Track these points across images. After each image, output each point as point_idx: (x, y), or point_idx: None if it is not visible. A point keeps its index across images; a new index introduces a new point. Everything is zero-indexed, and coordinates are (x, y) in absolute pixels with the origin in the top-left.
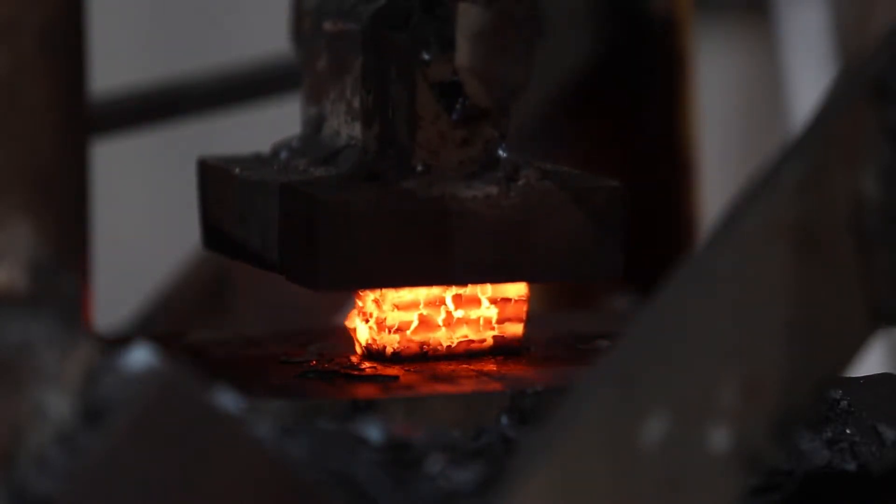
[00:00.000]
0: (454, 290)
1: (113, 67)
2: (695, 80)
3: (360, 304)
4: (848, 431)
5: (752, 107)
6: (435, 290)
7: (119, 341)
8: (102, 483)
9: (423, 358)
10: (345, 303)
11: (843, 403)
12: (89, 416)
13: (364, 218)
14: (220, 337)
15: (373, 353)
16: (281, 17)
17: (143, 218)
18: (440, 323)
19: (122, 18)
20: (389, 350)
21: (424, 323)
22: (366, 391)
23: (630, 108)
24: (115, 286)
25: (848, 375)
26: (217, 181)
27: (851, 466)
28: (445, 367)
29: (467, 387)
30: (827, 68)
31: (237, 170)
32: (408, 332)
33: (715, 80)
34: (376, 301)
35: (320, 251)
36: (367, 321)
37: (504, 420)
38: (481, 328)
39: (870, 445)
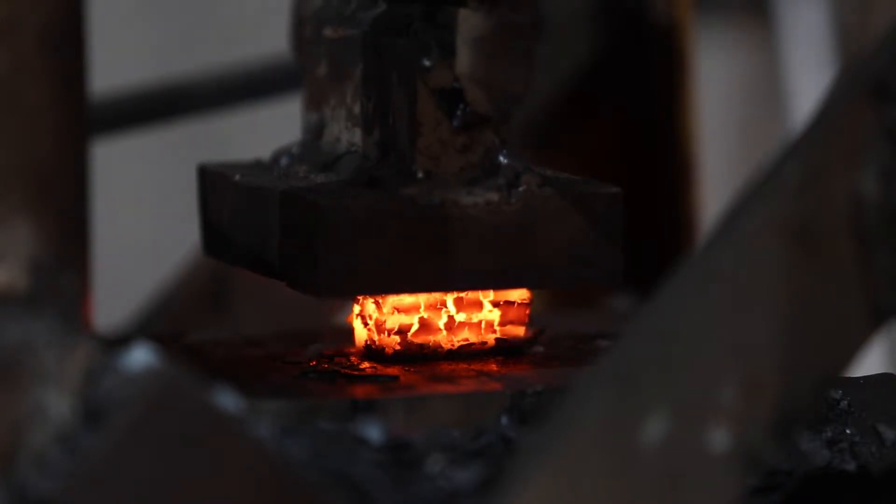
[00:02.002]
0: (456, 293)
1: (113, 67)
2: (695, 80)
3: (358, 306)
4: (848, 431)
5: (752, 107)
6: (436, 294)
7: (119, 341)
8: (102, 483)
9: (424, 359)
10: (345, 303)
11: (843, 403)
12: (89, 416)
13: (365, 224)
14: (220, 337)
15: (372, 355)
16: (281, 16)
17: (143, 218)
18: (441, 326)
19: (122, 18)
20: (389, 352)
21: (425, 326)
22: (366, 391)
23: (630, 108)
24: (115, 286)
25: (848, 375)
26: (217, 188)
27: (851, 466)
28: (445, 367)
29: (467, 387)
30: (827, 68)
31: (237, 176)
32: (408, 335)
33: (715, 80)
34: (377, 303)
35: (321, 258)
36: (366, 323)
37: (504, 420)
38: (483, 331)
39: (870, 445)
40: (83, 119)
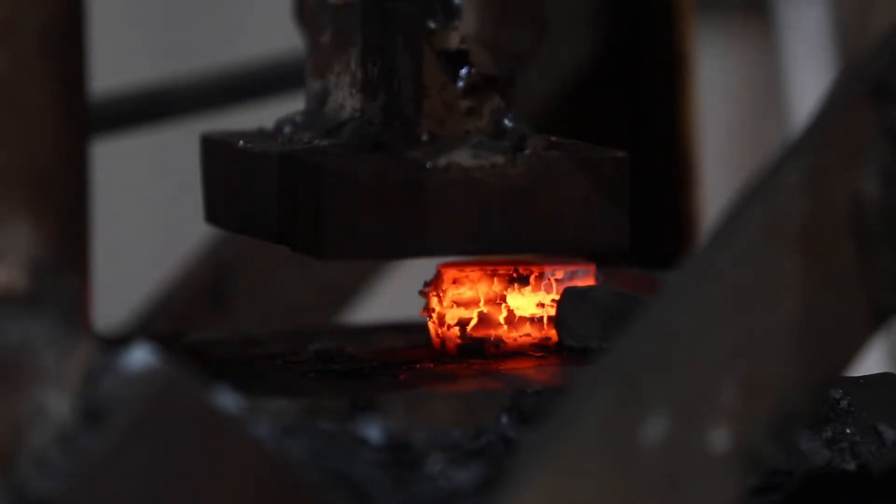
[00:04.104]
0: (513, 291)
1: (113, 67)
2: (695, 80)
3: (427, 300)
4: (848, 431)
5: (752, 107)
6: (496, 288)
7: (119, 341)
8: (102, 483)
9: (486, 354)
10: (345, 301)
11: (843, 403)
12: (89, 416)
13: (369, 187)
14: (220, 337)
15: (438, 349)
16: (281, 16)
17: (143, 218)
18: (502, 321)
19: (122, 18)
20: (451, 346)
21: (485, 320)
22: (366, 391)
23: (630, 107)
24: (115, 286)
25: (848, 375)
26: (220, 155)
27: (851, 466)
28: (446, 367)
29: (467, 386)
30: (827, 68)
31: (241, 142)
32: (468, 329)
33: (715, 80)
34: (438, 297)
35: (326, 220)
36: (430, 317)
37: (504, 420)
38: (546, 327)
39: (870, 445)
40: (83, 119)
